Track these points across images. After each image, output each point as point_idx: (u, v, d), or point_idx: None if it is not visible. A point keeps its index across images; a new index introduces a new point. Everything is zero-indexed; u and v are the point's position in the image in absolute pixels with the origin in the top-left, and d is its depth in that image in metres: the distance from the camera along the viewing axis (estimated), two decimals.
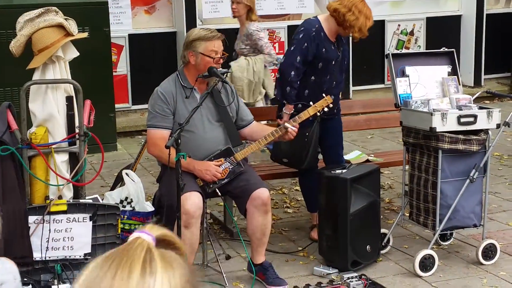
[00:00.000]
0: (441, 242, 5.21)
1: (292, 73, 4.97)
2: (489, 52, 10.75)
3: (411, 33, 10.56)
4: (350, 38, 5.41)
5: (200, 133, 4.56)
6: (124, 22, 9.18)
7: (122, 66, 9.26)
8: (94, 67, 7.83)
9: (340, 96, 5.53)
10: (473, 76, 10.68)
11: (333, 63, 5.08)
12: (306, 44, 4.95)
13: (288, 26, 9.83)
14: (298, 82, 5.01)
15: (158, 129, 4.54)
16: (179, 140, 3.89)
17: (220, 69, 4.54)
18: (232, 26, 9.66)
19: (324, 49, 5.00)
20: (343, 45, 5.25)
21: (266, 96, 6.84)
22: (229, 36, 9.45)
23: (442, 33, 10.58)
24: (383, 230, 5.07)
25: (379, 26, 10.43)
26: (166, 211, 4.44)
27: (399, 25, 10.50)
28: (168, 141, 4.03)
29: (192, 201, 4.29)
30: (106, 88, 8.08)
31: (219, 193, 4.62)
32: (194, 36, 4.54)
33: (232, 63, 6.49)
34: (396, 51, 9.88)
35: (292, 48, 5.04)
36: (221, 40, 4.56)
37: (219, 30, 4.67)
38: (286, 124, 4.53)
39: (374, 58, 10.33)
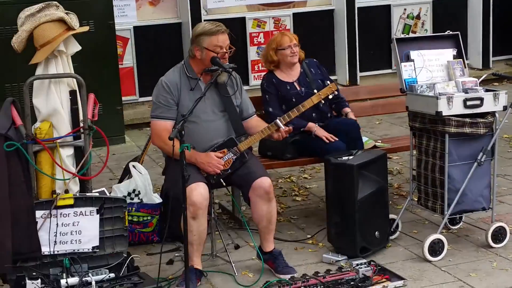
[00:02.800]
0: (450, 226, 5.19)
1: (272, 115, 5.25)
2: (497, 34, 10.68)
3: (418, 17, 10.50)
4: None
5: (204, 123, 4.54)
6: (128, 15, 9.18)
7: (128, 59, 9.27)
8: (100, 60, 7.84)
9: (331, 114, 5.52)
10: (482, 58, 10.62)
11: (294, 99, 5.28)
12: (266, 96, 5.41)
13: (294, 14, 9.80)
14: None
15: (162, 120, 4.52)
16: (183, 132, 3.87)
17: (227, 63, 4.52)
18: (238, 15, 9.66)
19: (279, 92, 5.39)
20: (319, 76, 5.50)
21: None
22: (235, 26, 9.50)
23: (449, 16, 10.51)
24: (392, 216, 5.05)
25: (385, 11, 10.39)
26: (172, 203, 4.44)
27: (405, 9, 10.44)
28: (172, 132, 4.00)
29: (198, 192, 4.28)
30: (112, 81, 8.10)
31: (224, 184, 4.61)
32: (199, 31, 4.53)
33: None
34: (402, 36, 9.82)
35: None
36: (227, 34, 4.54)
37: (224, 20, 4.65)
38: (278, 122, 4.55)
39: (381, 43, 10.28)
